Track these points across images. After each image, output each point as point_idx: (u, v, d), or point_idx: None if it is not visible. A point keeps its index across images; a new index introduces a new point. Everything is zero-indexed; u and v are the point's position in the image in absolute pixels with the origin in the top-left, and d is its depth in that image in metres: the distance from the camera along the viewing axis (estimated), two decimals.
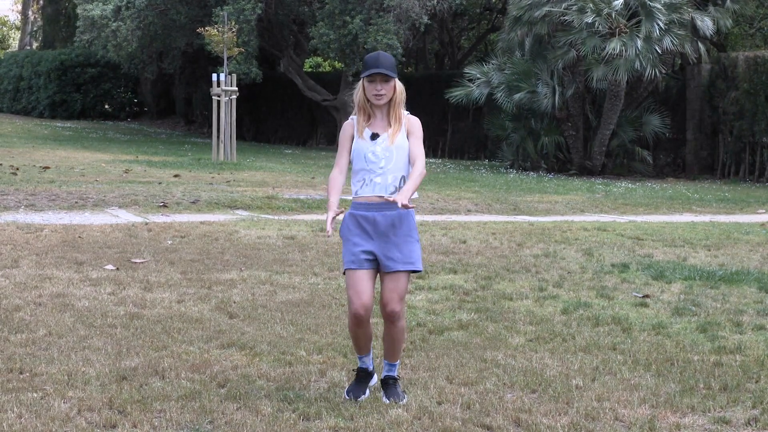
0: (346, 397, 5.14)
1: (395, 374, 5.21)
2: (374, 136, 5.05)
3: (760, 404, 5.19)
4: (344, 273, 5.12)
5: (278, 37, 33.38)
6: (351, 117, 5.19)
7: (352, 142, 5.11)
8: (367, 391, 5.20)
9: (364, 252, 5.01)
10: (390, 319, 5.06)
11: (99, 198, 13.96)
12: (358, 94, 5.10)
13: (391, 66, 5.04)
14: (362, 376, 5.23)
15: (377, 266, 5.07)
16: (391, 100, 5.06)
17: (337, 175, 5.17)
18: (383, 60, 5.03)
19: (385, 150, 5.02)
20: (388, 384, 5.17)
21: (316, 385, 5.36)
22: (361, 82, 5.09)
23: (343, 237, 5.11)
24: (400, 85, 5.09)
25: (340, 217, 5.11)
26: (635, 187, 20.77)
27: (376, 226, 5.01)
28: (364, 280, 5.01)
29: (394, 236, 5.03)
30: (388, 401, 5.07)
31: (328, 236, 5.07)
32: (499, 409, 4.98)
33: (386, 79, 5.02)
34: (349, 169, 5.16)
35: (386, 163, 5.02)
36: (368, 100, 5.07)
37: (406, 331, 5.26)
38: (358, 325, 5.06)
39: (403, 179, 5.04)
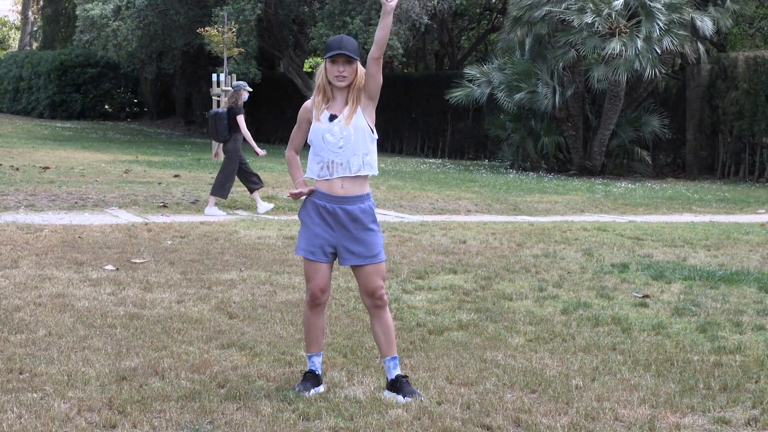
0: (294, 389, 5.16)
1: (400, 370, 5.21)
2: (332, 118, 5.08)
3: (760, 404, 5.19)
4: (297, 255, 5.22)
5: (278, 37, 33.38)
6: (312, 98, 5.20)
7: (309, 124, 5.15)
8: (312, 391, 5.15)
9: (325, 245, 5.09)
10: (379, 305, 5.12)
11: (99, 198, 13.96)
12: (319, 75, 5.11)
13: (354, 49, 5.06)
14: (309, 377, 5.23)
15: (333, 258, 5.15)
16: (352, 83, 5.07)
17: (294, 154, 5.31)
18: (346, 42, 5.06)
19: (342, 130, 5.04)
20: (401, 383, 5.16)
21: None
22: (323, 63, 5.11)
23: (303, 222, 5.18)
24: (362, 69, 5.10)
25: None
26: (635, 188, 20.77)
27: (337, 219, 5.07)
28: (322, 270, 5.12)
29: (354, 230, 5.07)
30: (405, 400, 5.05)
31: (287, 196, 5.18)
32: (499, 409, 4.98)
33: (349, 61, 5.04)
34: (307, 147, 5.20)
35: (345, 143, 5.04)
36: (329, 82, 5.08)
37: (406, 331, 5.25)
38: (314, 308, 5.14)
39: (365, 156, 5.06)
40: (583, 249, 10.77)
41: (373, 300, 5.14)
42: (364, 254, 5.08)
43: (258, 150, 13.54)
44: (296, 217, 13.02)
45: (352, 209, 5.05)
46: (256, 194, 13.62)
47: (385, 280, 5.19)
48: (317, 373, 5.25)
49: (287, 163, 5.37)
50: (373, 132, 5.12)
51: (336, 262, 5.19)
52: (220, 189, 13.29)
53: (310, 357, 5.26)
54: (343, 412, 4.86)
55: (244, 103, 13.56)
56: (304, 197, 5.18)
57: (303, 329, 5.37)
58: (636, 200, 17.43)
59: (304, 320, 5.27)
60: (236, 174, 13.46)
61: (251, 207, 13.85)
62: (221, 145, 13.34)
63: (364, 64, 5.10)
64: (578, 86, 23.94)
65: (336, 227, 5.07)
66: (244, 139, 13.41)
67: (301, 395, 5.09)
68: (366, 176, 5.11)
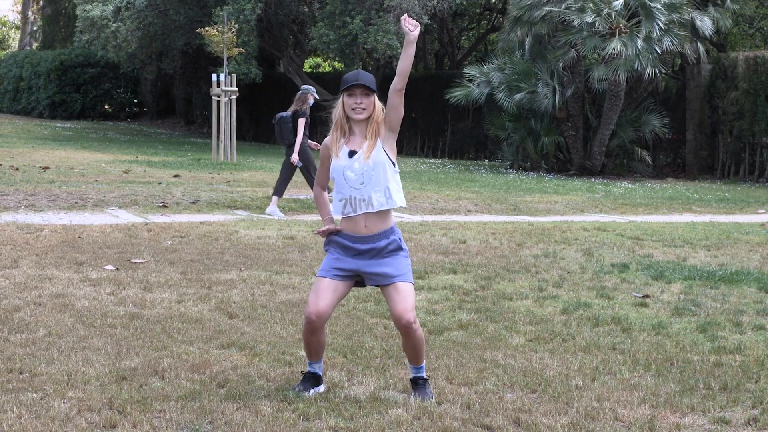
0: (293, 389, 5.16)
1: (424, 374, 5.20)
2: (351, 153, 5.03)
3: (759, 404, 5.19)
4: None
5: (278, 37, 33.39)
6: (329, 135, 5.17)
7: (330, 161, 5.11)
8: (312, 391, 5.16)
9: (342, 269, 5.06)
10: (406, 331, 5.02)
11: (99, 198, 13.96)
12: (336, 111, 5.08)
13: (372, 81, 5.04)
14: (308, 378, 5.23)
15: (352, 282, 5.10)
16: (370, 116, 5.04)
17: (321, 191, 5.31)
18: (363, 75, 5.03)
19: (363, 166, 5.00)
20: (418, 384, 5.17)
21: None
22: (340, 98, 5.07)
23: (327, 251, 5.17)
24: (379, 103, 5.06)
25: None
26: (635, 188, 20.77)
27: (360, 251, 5.05)
28: (327, 288, 5.04)
29: (379, 257, 5.04)
30: (412, 399, 5.06)
31: (315, 233, 5.18)
32: (499, 409, 4.98)
33: (366, 93, 5.01)
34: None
35: (366, 179, 4.99)
36: (347, 116, 5.05)
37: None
38: (311, 331, 5.07)
39: (388, 190, 5.02)
40: (583, 249, 10.77)
41: (401, 324, 5.01)
42: (391, 274, 5.02)
43: (295, 157, 13.49)
44: (296, 216, 13.07)
45: (377, 245, 5.03)
46: (276, 198, 13.63)
47: (413, 304, 5.04)
48: (317, 374, 5.25)
49: (315, 200, 5.39)
50: (394, 165, 5.08)
51: (351, 292, 5.16)
52: (281, 189, 13.49)
53: (310, 363, 5.26)
54: (343, 412, 4.86)
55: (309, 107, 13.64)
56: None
57: (303, 339, 5.34)
58: (636, 200, 17.43)
59: (302, 337, 5.23)
60: (289, 175, 13.60)
61: (251, 207, 13.85)
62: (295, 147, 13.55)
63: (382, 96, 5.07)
64: (578, 86, 23.94)
65: (359, 258, 5.04)
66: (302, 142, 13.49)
67: (301, 395, 5.10)
68: (389, 211, 5.07)
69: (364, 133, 5.05)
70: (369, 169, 4.99)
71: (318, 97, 14.25)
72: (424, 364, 5.22)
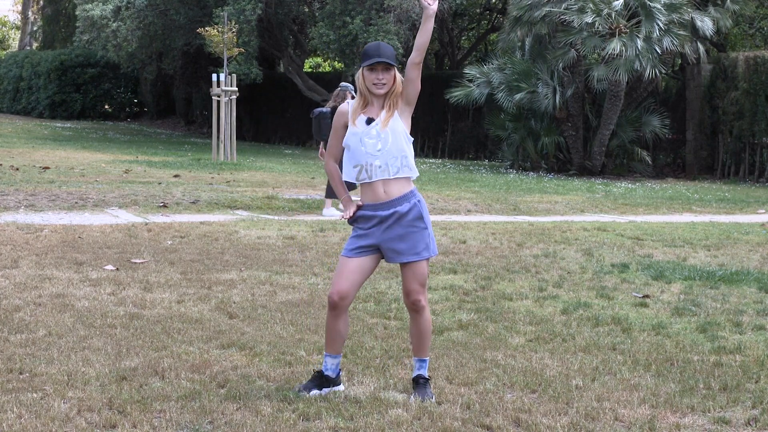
0: (294, 389, 5.15)
1: (426, 374, 5.21)
2: (369, 121, 5.08)
3: (760, 404, 5.19)
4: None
5: (278, 37, 33.39)
6: (347, 101, 5.21)
7: (345, 129, 5.14)
8: (314, 391, 5.13)
9: (364, 246, 5.08)
10: (414, 308, 5.09)
11: (99, 198, 13.96)
12: (358, 81, 5.13)
13: (392, 56, 5.06)
14: (316, 377, 5.21)
15: (376, 256, 5.13)
16: (390, 89, 5.08)
17: (335, 165, 5.30)
18: (384, 49, 5.06)
19: (380, 133, 5.05)
20: (419, 383, 5.18)
21: None
22: (360, 70, 5.11)
23: (353, 228, 5.19)
24: (399, 76, 5.11)
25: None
26: (635, 187, 20.77)
27: (384, 220, 5.06)
28: (350, 268, 5.07)
29: (399, 227, 5.05)
30: (413, 399, 5.07)
31: (342, 218, 5.23)
32: (499, 409, 4.98)
33: (387, 68, 5.05)
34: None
35: (383, 145, 5.04)
36: (368, 89, 5.09)
37: (406, 331, 5.25)
38: (334, 315, 5.09)
39: (405, 158, 5.07)
40: (583, 249, 10.77)
41: (409, 301, 5.11)
42: (407, 252, 5.06)
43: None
44: (296, 216, 13.07)
45: (399, 210, 5.04)
46: (330, 201, 13.80)
47: (426, 285, 5.12)
48: (325, 374, 5.21)
49: (329, 175, 5.34)
50: (409, 134, 5.13)
51: (381, 264, 5.19)
52: (333, 190, 13.53)
53: (326, 356, 5.22)
54: (343, 412, 4.86)
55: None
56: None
57: (325, 329, 5.33)
58: (636, 200, 17.43)
59: (326, 320, 5.22)
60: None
61: (251, 207, 13.85)
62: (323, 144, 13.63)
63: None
64: (578, 86, 23.94)
65: (384, 228, 5.05)
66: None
67: (300, 395, 5.09)
68: (407, 177, 5.10)
69: (382, 103, 5.10)
70: (386, 137, 5.04)
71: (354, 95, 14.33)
72: (428, 360, 5.22)
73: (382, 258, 5.18)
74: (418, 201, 5.11)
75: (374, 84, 5.05)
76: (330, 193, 13.57)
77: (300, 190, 16.41)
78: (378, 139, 5.04)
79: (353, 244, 5.10)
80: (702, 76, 24.88)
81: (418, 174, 5.18)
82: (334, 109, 13.52)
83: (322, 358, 5.84)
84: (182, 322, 6.70)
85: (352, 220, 5.17)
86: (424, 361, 5.21)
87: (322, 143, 13.81)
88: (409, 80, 5.04)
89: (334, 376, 5.22)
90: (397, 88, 5.08)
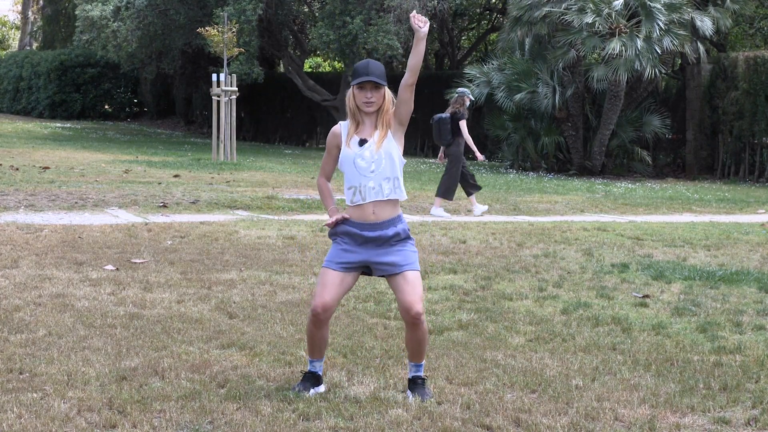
0: (293, 389, 5.16)
1: (422, 374, 5.22)
2: (362, 142, 5.08)
3: (760, 404, 5.19)
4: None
5: (278, 37, 33.38)
6: (340, 123, 5.21)
7: (338, 150, 5.14)
8: (312, 391, 5.16)
9: (349, 262, 5.08)
10: (414, 321, 5.03)
11: (99, 198, 13.96)
12: (348, 101, 5.12)
13: (381, 74, 5.05)
14: (308, 377, 5.23)
15: (359, 273, 5.13)
16: (380, 107, 5.08)
17: (325, 181, 5.31)
18: (373, 68, 5.05)
19: (373, 154, 5.04)
20: (416, 383, 5.18)
21: None
22: (351, 89, 5.11)
23: (334, 240, 5.18)
24: (389, 94, 5.10)
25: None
26: (635, 188, 20.76)
27: (368, 240, 5.07)
28: (334, 280, 5.07)
29: (387, 247, 5.07)
30: (412, 398, 5.07)
31: (325, 225, 5.22)
32: (499, 409, 4.98)
33: (376, 87, 5.04)
34: (341, 176, 5.19)
35: (376, 166, 5.04)
36: (358, 108, 5.09)
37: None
38: (316, 325, 5.08)
39: (397, 180, 5.07)
40: (583, 249, 10.77)
41: (409, 315, 5.04)
42: (399, 263, 5.05)
43: (478, 154, 14.30)
44: (296, 216, 13.07)
45: (385, 233, 5.05)
46: (473, 197, 14.27)
47: (421, 295, 5.09)
48: (318, 374, 5.25)
49: (318, 190, 5.36)
50: (401, 156, 5.12)
51: (350, 292, 5.19)
52: (447, 192, 14.12)
53: (311, 361, 5.26)
54: (343, 412, 4.86)
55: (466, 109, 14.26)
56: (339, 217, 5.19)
57: (305, 335, 5.34)
58: (636, 200, 17.43)
59: (306, 329, 5.24)
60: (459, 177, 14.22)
61: (251, 207, 13.85)
62: (443, 149, 14.46)
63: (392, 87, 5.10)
64: (578, 86, 23.94)
65: (367, 247, 5.06)
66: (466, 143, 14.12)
67: (301, 395, 5.10)
68: (396, 201, 5.10)
69: (375, 123, 5.10)
70: (380, 158, 5.04)
71: (473, 98, 15.09)
72: (424, 362, 5.23)
73: (363, 274, 5.17)
74: (406, 227, 5.13)
75: (364, 102, 5.05)
76: (442, 194, 14.06)
77: (300, 190, 16.42)
78: (371, 161, 5.04)
79: (339, 257, 5.09)
80: (702, 76, 24.88)
81: (406, 197, 5.18)
82: (453, 114, 14.07)
83: (324, 355, 5.86)
84: (182, 322, 6.70)
85: (333, 233, 5.17)
86: (421, 364, 5.22)
87: (442, 148, 14.40)
88: (402, 101, 5.02)
89: (321, 374, 5.26)
90: (387, 105, 5.07)
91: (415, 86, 5.00)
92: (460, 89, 14.54)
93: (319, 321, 5.07)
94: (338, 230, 5.15)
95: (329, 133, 5.23)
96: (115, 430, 4.58)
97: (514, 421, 4.84)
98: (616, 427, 4.81)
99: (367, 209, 5.06)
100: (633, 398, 5.24)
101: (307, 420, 4.77)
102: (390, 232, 5.06)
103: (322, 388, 5.24)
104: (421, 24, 4.92)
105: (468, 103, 14.19)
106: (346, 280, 5.11)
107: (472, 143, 14.12)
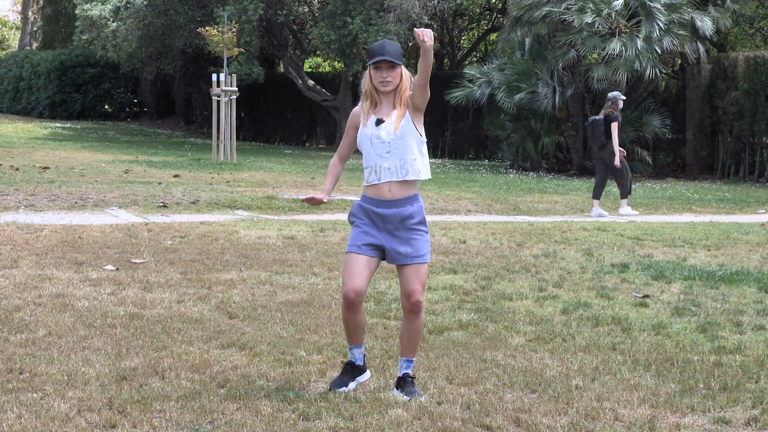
0: (329, 388, 5.18)
1: (411, 372, 5.23)
2: (379, 122, 5.09)
3: (760, 404, 5.19)
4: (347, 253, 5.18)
5: (278, 37, 33.38)
6: (361, 103, 5.22)
7: (357, 131, 5.15)
8: (351, 384, 5.21)
9: (370, 244, 5.08)
10: (413, 309, 5.09)
11: (99, 198, 13.96)
12: (365, 82, 5.13)
13: (397, 53, 5.07)
14: (347, 369, 5.26)
15: (380, 257, 5.14)
16: (397, 87, 5.08)
17: (337, 162, 5.33)
18: (389, 47, 5.06)
19: (390, 134, 5.05)
20: (407, 382, 5.19)
21: (316, 385, 5.36)
22: (367, 70, 5.12)
23: (352, 223, 5.19)
24: (406, 72, 5.12)
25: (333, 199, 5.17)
26: (635, 187, 20.74)
27: (384, 220, 5.07)
28: (361, 264, 5.06)
29: (402, 231, 5.07)
30: (407, 398, 5.08)
31: (302, 199, 5.28)
32: (499, 409, 4.98)
33: (392, 66, 5.06)
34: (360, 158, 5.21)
35: (393, 147, 5.05)
36: (375, 88, 5.09)
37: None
38: (349, 309, 5.10)
39: (414, 160, 5.07)
40: (583, 249, 10.77)
41: (409, 302, 5.09)
42: (411, 254, 5.07)
43: (617, 159, 14.73)
44: (296, 216, 13.06)
45: (401, 211, 5.05)
46: (597, 202, 14.83)
47: (425, 286, 5.13)
48: (356, 363, 5.25)
49: (328, 168, 5.38)
50: (421, 135, 5.12)
51: (381, 264, 5.21)
52: (624, 189, 14.99)
53: (350, 348, 5.27)
54: (343, 412, 4.85)
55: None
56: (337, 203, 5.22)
57: (342, 323, 5.35)
58: (636, 200, 17.43)
59: (342, 317, 5.24)
60: (605, 176, 15.03)
61: (251, 207, 13.85)
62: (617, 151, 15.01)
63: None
64: (578, 86, 23.94)
65: (384, 228, 5.07)
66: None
67: (335, 390, 5.13)
68: (414, 180, 5.10)
69: (393, 102, 5.10)
70: (396, 138, 5.05)
71: (624, 98, 15.64)
72: (414, 359, 5.24)
73: (383, 259, 5.20)
74: (422, 206, 5.14)
75: (380, 82, 5.06)
76: (623, 194, 14.81)
77: (300, 190, 16.41)
78: (388, 140, 5.05)
79: (360, 239, 5.09)
80: (702, 76, 24.88)
81: (429, 176, 5.16)
82: (606, 117, 14.68)
83: (324, 355, 5.85)
84: (182, 322, 6.70)
85: (351, 215, 5.18)
86: (411, 360, 5.23)
87: (596, 148, 15.11)
88: (419, 94, 5.04)
89: (361, 364, 5.27)
90: (404, 84, 5.08)
91: (428, 86, 5.01)
92: (613, 93, 15.15)
93: (353, 305, 5.08)
94: (355, 210, 5.16)
95: (350, 115, 5.24)
96: (115, 430, 4.58)
97: (514, 421, 4.84)
98: (616, 427, 4.81)
99: (382, 188, 5.07)
100: (633, 398, 5.24)
101: (307, 420, 4.77)
102: (406, 211, 5.05)
103: (365, 377, 5.26)
104: (426, 39, 4.91)
105: (621, 104, 14.81)
106: (372, 263, 5.11)
107: (617, 147, 14.58)
